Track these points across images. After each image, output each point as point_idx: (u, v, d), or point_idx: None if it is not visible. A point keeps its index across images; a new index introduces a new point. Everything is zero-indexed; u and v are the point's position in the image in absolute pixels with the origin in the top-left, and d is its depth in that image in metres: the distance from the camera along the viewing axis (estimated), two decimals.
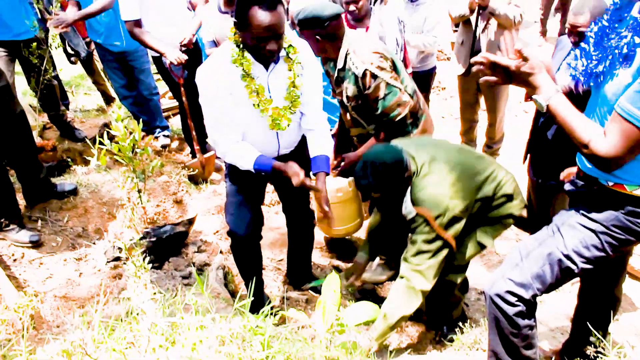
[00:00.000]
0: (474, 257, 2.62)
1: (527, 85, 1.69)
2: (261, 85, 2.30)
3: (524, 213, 2.64)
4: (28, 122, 3.25)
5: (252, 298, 1.75)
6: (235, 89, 2.29)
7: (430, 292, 2.41)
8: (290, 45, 2.34)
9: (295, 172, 2.32)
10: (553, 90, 1.67)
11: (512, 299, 1.95)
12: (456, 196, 2.32)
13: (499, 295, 1.97)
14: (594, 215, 1.87)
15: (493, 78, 1.73)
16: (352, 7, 3.38)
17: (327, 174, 2.51)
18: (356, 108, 2.84)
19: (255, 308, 1.91)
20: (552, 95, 1.67)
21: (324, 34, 2.66)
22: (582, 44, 1.88)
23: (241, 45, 2.24)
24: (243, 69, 2.25)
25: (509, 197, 2.53)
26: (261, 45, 2.14)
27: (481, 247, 2.58)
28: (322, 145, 2.54)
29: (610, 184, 1.81)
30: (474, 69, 1.77)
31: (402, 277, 2.40)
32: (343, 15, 2.77)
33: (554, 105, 1.67)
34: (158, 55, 3.97)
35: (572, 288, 3.07)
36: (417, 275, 2.35)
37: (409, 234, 2.44)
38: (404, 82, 2.76)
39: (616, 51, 1.67)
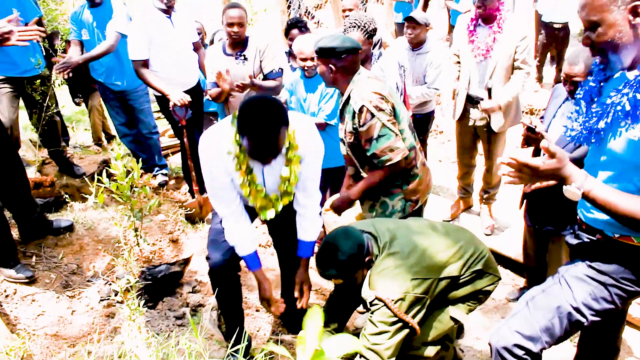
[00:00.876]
0: (447, 332, 2.52)
1: (556, 179, 1.66)
2: (254, 176, 2.40)
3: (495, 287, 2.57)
4: (21, 161, 3.23)
5: (246, 343, 1.74)
6: (232, 173, 2.39)
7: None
8: (290, 144, 2.35)
9: (265, 296, 2.62)
10: (583, 177, 1.65)
11: (520, 353, 1.92)
12: (416, 277, 2.26)
13: (506, 349, 1.94)
14: (601, 267, 1.86)
15: (516, 180, 1.68)
16: None
17: (309, 259, 2.70)
18: (351, 146, 2.83)
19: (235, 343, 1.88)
20: (584, 182, 1.65)
21: (338, 65, 2.69)
22: (575, 107, 1.91)
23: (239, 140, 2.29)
24: (237, 162, 2.34)
25: (479, 274, 2.48)
26: (256, 156, 2.22)
27: (454, 321, 2.50)
28: (309, 231, 2.66)
29: (617, 235, 1.81)
30: (500, 172, 1.71)
31: (358, 354, 2.31)
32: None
33: (589, 190, 1.65)
34: (161, 94, 4.03)
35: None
36: (373, 354, 2.26)
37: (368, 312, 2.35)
38: (403, 132, 2.74)
39: (618, 107, 1.67)
